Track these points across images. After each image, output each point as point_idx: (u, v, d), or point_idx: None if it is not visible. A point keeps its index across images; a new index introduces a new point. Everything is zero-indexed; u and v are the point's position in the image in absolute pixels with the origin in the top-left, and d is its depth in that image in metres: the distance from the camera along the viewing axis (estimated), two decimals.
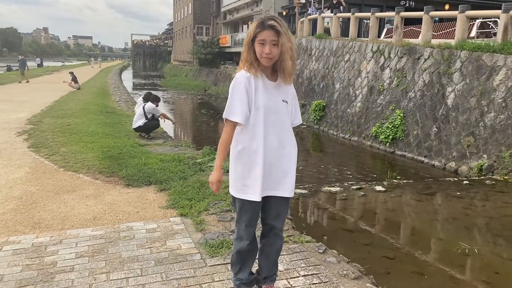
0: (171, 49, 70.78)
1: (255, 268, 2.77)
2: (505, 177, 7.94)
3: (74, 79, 21.51)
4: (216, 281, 3.01)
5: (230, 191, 2.56)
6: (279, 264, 2.88)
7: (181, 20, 57.65)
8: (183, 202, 4.66)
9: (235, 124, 2.45)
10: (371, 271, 3.61)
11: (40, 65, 52.70)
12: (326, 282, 3.01)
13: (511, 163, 8.14)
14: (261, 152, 2.44)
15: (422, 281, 4.11)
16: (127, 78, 48.82)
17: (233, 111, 2.41)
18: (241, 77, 2.43)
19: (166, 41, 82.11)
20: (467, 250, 4.70)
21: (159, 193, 5.13)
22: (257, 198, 2.45)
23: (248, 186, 2.47)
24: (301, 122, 2.74)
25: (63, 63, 76.37)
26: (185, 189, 5.12)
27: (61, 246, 3.62)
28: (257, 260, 2.74)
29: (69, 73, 22.74)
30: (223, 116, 2.46)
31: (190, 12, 50.43)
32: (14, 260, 3.36)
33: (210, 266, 3.23)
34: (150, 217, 4.32)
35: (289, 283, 2.97)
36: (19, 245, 3.65)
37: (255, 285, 2.74)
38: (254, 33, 2.36)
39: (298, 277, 3.07)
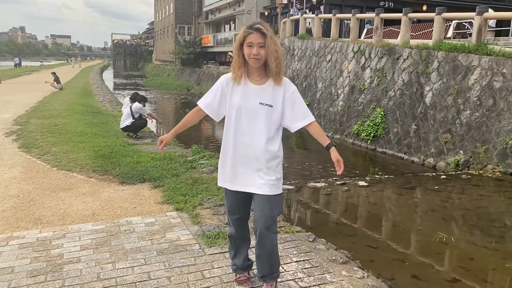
0: (152, 48, 70.42)
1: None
2: (480, 172, 8.37)
3: (57, 79, 21.38)
4: (215, 268, 3.25)
5: None
6: None
7: (162, 19, 57.44)
8: (177, 197, 4.89)
9: (200, 108, 2.80)
10: (356, 259, 3.90)
11: (18, 65, 51.80)
12: (317, 266, 3.29)
13: (485, 158, 8.58)
14: (231, 145, 2.70)
15: (403, 268, 4.42)
16: (108, 78, 48.44)
17: (202, 99, 2.80)
18: (223, 77, 2.77)
19: (147, 41, 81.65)
20: (444, 239, 5.04)
21: (154, 189, 5.34)
22: (226, 185, 2.77)
23: (222, 175, 2.79)
24: (306, 124, 2.74)
25: (41, 63, 75.15)
26: (178, 186, 5.34)
27: (65, 240, 3.81)
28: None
29: (51, 73, 22.58)
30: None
31: (171, 12, 50.32)
32: (22, 253, 3.54)
33: (209, 254, 3.48)
34: (147, 212, 4.53)
35: (283, 268, 3.23)
36: (24, 239, 3.83)
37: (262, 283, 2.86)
38: (243, 37, 2.60)
39: (291, 262, 3.34)
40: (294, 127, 2.73)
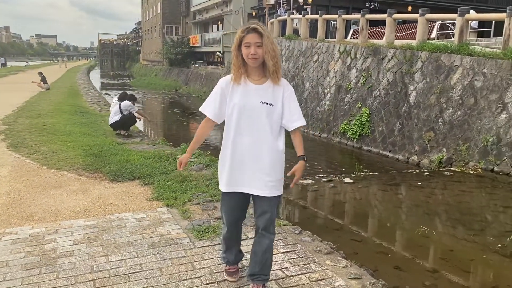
0: (139, 48, 70.13)
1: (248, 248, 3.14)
2: (462, 169, 8.61)
3: (43, 80, 21.25)
4: (205, 260, 3.38)
5: None
6: None
7: (149, 19, 57.26)
8: (167, 194, 5.00)
9: (208, 118, 2.78)
10: (340, 251, 4.05)
11: (3, 65, 51.19)
12: (302, 257, 3.43)
13: (467, 155, 8.83)
14: (230, 149, 2.71)
15: (387, 259, 4.60)
16: (95, 78, 48.14)
17: (207, 108, 2.78)
18: (222, 80, 2.78)
19: (135, 41, 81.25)
20: (426, 232, 5.23)
21: (144, 187, 5.44)
22: (223, 189, 2.79)
23: (221, 178, 2.83)
24: (302, 125, 2.78)
25: (27, 63, 74.32)
26: (168, 183, 5.45)
27: (58, 235, 3.90)
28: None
29: (38, 73, 22.43)
30: (199, 109, 2.85)
31: (159, 12, 50.20)
32: (15, 248, 3.63)
33: (199, 247, 3.60)
34: (138, 208, 4.64)
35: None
36: (17, 235, 3.90)
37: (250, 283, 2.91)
38: (240, 38, 2.66)
39: (278, 253, 3.48)
40: (292, 126, 2.74)
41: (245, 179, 2.71)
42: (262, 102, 2.67)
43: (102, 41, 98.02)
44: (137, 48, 73.95)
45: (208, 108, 2.77)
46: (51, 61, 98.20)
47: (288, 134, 2.80)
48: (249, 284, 2.92)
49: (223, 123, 2.81)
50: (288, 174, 2.80)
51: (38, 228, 4.09)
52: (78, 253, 3.51)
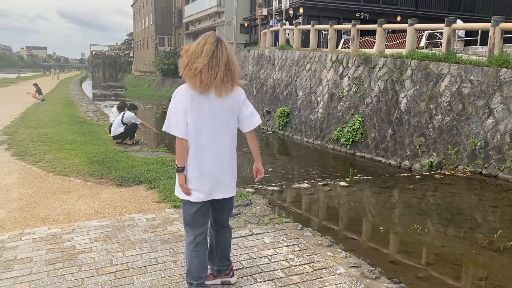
0: (131, 59, 70.37)
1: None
2: (452, 172, 8.96)
3: (38, 91, 21.43)
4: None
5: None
6: (266, 238, 3.57)
7: (142, 30, 57.62)
8: (174, 196, 5.23)
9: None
10: None
11: None
12: (305, 249, 3.72)
13: (457, 159, 9.19)
14: None
15: (382, 255, 4.89)
16: (87, 89, 48.25)
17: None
18: None
19: (127, 52, 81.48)
20: (419, 230, 5.54)
21: (150, 190, 5.70)
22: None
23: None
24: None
25: (18, 75, 74.23)
26: (173, 187, 5.61)
27: (74, 234, 4.15)
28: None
29: (33, 84, 22.61)
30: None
31: (151, 23, 50.59)
32: (36, 246, 3.87)
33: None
34: (147, 210, 4.90)
35: (275, 251, 3.65)
36: (36, 235, 4.15)
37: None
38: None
39: (282, 247, 3.76)
40: None
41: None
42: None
43: (93, 52, 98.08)
44: (129, 59, 74.19)
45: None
46: (42, 73, 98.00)
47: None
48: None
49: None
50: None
51: (54, 228, 4.33)
52: (96, 249, 3.77)
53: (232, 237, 3.91)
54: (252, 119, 2.94)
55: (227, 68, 2.72)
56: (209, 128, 2.78)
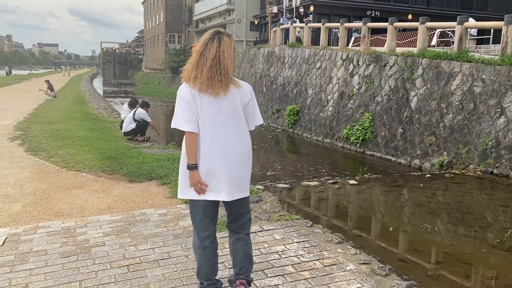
0: (142, 57, 70.75)
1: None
2: (463, 171, 8.92)
3: (50, 87, 21.65)
4: (226, 248, 3.68)
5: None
6: (276, 234, 3.59)
7: (152, 28, 57.87)
8: None
9: None
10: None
11: (8, 74, 51.77)
12: (315, 246, 3.75)
13: (467, 159, 9.14)
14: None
15: (392, 253, 4.90)
16: (98, 86, 48.63)
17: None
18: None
19: (137, 49, 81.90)
20: (429, 229, 5.53)
21: (161, 186, 5.76)
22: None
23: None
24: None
25: (30, 72, 75.01)
26: None
27: (88, 228, 4.22)
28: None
29: (45, 81, 22.83)
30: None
31: (162, 20, 50.79)
32: (51, 239, 3.94)
33: (220, 237, 3.89)
34: (159, 205, 4.96)
35: (285, 247, 3.69)
36: (50, 228, 4.23)
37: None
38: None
39: (292, 243, 3.79)
40: None
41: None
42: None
43: (104, 50, 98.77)
44: (139, 57, 74.58)
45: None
46: (53, 70, 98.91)
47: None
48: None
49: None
50: None
51: (68, 222, 4.40)
52: (109, 243, 3.83)
53: None
54: (253, 120, 2.85)
55: (214, 65, 2.61)
56: (212, 129, 2.68)
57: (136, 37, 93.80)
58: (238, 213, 2.88)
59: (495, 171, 8.50)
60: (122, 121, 10.31)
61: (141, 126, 9.44)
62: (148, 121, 9.58)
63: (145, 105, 9.78)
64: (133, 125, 9.39)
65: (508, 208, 6.86)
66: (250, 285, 2.91)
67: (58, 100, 20.12)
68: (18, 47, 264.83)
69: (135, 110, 9.48)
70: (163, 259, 3.49)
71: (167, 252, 3.61)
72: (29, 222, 4.44)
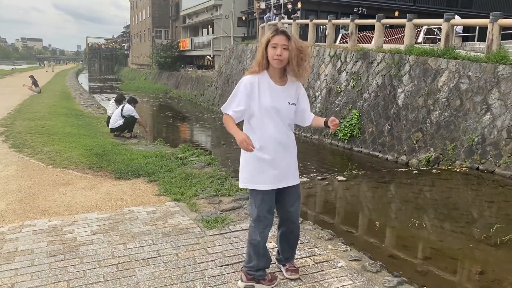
0: (128, 52, 70.04)
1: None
2: (449, 167, 9.01)
3: (35, 83, 21.31)
4: (217, 246, 3.67)
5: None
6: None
7: (139, 23, 57.28)
8: (174, 189, 5.27)
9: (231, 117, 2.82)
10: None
11: None
12: (306, 242, 3.74)
13: (454, 155, 9.24)
14: (264, 145, 2.87)
15: (381, 249, 4.93)
16: (83, 81, 48.01)
17: (227, 107, 2.86)
18: (246, 81, 2.84)
19: (123, 44, 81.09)
20: (416, 224, 5.58)
21: (149, 183, 5.70)
22: (270, 187, 2.94)
23: (263, 178, 2.96)
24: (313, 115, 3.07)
25: (13, 67, 73.71)
26: (172, 180, 5.71)
27: (75, 226, 4.15)
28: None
29: (29, 76, 22.48)
30: (220, 109, 2.96)
31: (148, 16, 50.29)
32: (37, 238, 3.87)
33: (210, 235, 3.89)
34: (147, 203, 4.90)
35: (276, 245, 3.66)
36: (36, 227, 4.14)
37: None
38: (268, 38, 2.82)
39: None
40: (306, 122, 3.09)
41: (287, 173, 2.95)
42: (289, 103, 2.92)
43: (90, 45, 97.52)
44: (125, 52, 73.83)
45: (230, 109, 2.83)
46: (37, 65, 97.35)
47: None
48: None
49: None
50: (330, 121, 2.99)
51: (55, 220, 4.33)
52: (97, 241, 3.77)
53: (233, 230, 3.95)
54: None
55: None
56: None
57: (122, 32, 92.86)
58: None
59: (480, 167, 8.60)
60: (109, 117, 10.18)
61: (129, 123, 9.34)
62: (136, 117, 9.48)
63: (133, 101, 9.67)
64: (121, 121, 9.28)
65: (494, 204, 6.95)
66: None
67: (43, 96, 19.81)
68: (0, 42, 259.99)
69: (123, 106, 9.37)
70: (152, 258, 3.44)
71: (156, 251, 3.57)
72: (14, 220, 4.35)
